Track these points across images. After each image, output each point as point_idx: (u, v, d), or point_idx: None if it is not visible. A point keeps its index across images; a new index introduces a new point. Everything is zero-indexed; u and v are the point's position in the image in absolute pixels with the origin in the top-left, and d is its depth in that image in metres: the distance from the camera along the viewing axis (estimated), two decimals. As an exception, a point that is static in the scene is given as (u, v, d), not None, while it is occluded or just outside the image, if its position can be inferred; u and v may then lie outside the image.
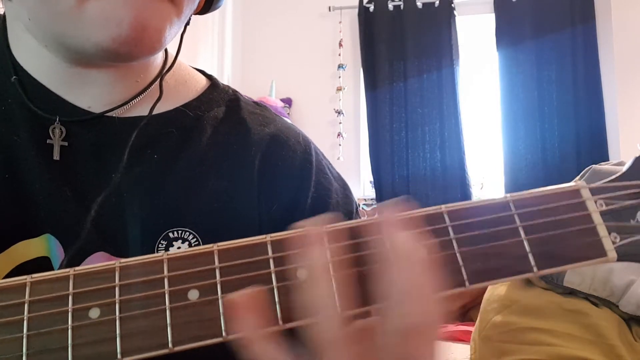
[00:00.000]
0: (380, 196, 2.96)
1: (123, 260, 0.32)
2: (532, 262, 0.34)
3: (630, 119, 2.72)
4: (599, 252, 0.34)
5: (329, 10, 3.11)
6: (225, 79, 2.98)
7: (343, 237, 0.32)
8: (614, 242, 0.34)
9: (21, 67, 0.49)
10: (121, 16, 0.41)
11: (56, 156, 0.47)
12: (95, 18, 0.41)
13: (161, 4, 0.43)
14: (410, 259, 0.30)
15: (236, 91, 0.59)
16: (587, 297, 0.79)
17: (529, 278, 0.86)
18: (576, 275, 0.79)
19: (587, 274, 0.79)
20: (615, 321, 0.76)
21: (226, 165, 0.51)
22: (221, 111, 0.55)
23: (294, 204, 0.52)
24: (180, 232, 0.47)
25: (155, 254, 0.32)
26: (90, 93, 0.49)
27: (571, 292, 0.80)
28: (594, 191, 0.36)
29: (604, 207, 0.35)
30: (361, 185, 3.12)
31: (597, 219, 0.35)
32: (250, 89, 2.98)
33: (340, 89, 3.05)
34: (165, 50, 0.56)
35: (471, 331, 0.83)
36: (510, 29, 2.91)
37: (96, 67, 0.48)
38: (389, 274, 0.31)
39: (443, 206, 0.34)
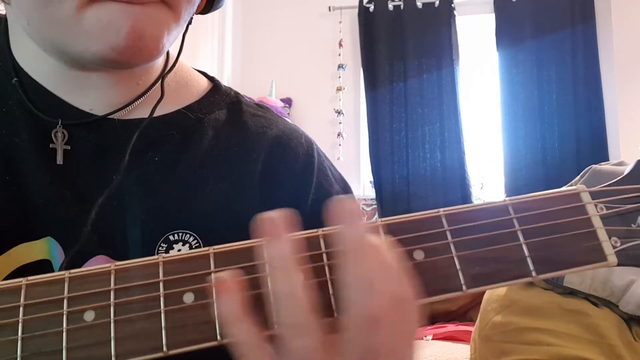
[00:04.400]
0: (380, 196, 2.95)
1: (119, 263, 0.32)
2: (531, 267, 0.33)
3: (631, 119, 2.71)
4: (599, 256, 0.34)
5: (329, 10, 3.10)
6: (225, 79, 2.98)
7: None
8: (614, 247, 0.34)
9: (22, 70, 0.49)
10: (119, 25, 0.41)
11: (59, 160, 0.47)
12: (94, 27, 0.41)
13: (159, 11, 0.43)
14: (364, 250, 0.30)
15: (238, 93, 0.59)
16: (587, 297, 0.79)
17: (528, 279, 0.86)
18: (576, 275, 0.79)
19: (587, 274, 0.78)
20: (615, 321, 0.76)
21: (227, 168, 0.51)
22: (222, 114, 0.55)
23: (295, 205, 0.51)
24: (180, 234, 0.47)
25: (151, 257, 0.32)
26: (92, 96, 0.49)
27: (571, 292, 0.80)
28: (594, 195, 0.35)
29: (605, 211, 0.35)
30: (361, 185, 3.12)
31: (597, 222, 0.34)
32: (250, 89, 2.97)
33: (340, 89, 3.05)
34: (167, 51, 0.56)
35: (471, 331, 0.83)
36: (510, 29, 2.91)
37: (96, 70, 0.47)
38: (345, 265, 0.31)
39: (441, 210, 0.34)
